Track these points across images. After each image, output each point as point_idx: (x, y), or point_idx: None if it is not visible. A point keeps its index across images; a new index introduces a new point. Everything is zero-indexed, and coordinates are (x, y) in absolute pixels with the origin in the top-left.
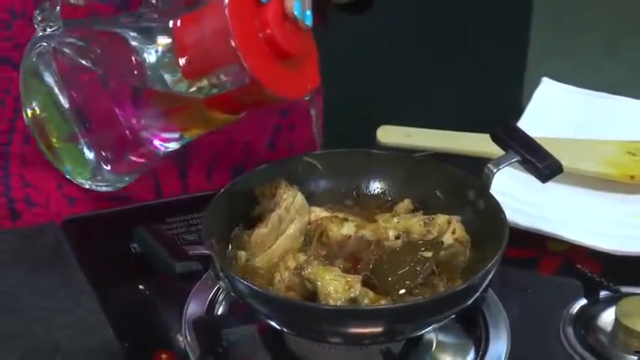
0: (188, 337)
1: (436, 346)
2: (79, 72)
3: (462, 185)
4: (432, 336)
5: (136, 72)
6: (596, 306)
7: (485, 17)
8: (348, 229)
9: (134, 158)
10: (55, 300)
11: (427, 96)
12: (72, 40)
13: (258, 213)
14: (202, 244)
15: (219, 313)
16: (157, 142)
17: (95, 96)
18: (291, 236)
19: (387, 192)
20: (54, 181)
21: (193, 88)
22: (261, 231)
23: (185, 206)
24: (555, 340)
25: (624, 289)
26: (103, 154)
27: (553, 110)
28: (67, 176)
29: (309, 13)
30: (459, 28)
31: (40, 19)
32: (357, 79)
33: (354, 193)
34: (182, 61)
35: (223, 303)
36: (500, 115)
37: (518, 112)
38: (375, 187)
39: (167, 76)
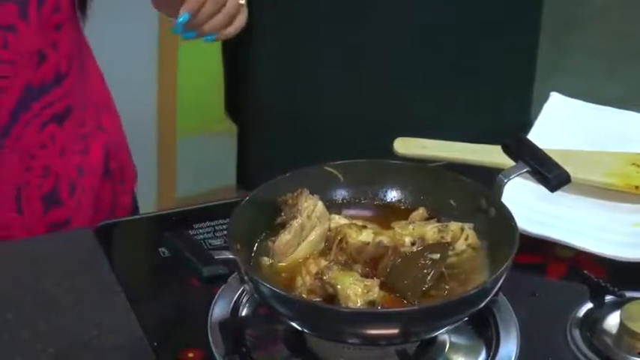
0: (214, 337)
1: (449, 346)
2: None
3: (474, 194)
4: (446, 337)
5: None
6: (602, 310)
7: (496, 38)
8: (366, 235)
9: None
10: (88, 301)
11: (442, 110)
12: None
13: (281, 220)
14: (228, 249)
15: (244, 314)
16: None
17: None
18: (312, 242)
19: (403, 200)
20: None
21: None
22: (284, 237)
23: (211, 213)
24: (562, 342)
25: (628, 294)
26: None
27: (561, 123)
28: None
29: None
30: (471, 49)
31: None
32: (377, 96)
33: (372, 201)
34: None
35: (247, 305)
36: (511, 128)
37: (528, 125)
38: (392, 195)
39: None
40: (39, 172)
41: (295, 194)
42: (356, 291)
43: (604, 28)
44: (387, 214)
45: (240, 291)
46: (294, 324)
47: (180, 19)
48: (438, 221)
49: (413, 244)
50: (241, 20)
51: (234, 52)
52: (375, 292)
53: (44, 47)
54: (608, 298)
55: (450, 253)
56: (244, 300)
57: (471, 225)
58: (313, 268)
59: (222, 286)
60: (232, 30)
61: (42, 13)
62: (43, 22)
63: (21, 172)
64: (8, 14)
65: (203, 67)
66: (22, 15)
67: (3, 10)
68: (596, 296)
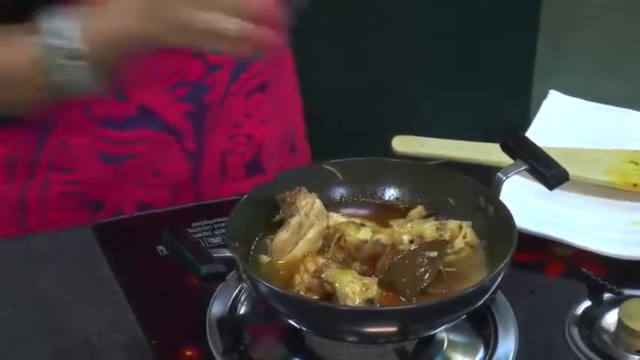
0: (212, 335)
1: (447, 344)
2: None
3: (472, 192)
4: (444, 335)
5: None
6: (600, 307)
7: (495, 38)
8: (364, 233)
9: None
10: (86, 299)
11: (440, 108)
12: None
13: (279, 218)
14: (226, 247)
15: (242, 312)
16: None
17: None
18: (310, 240)
19: (401, 198)
20: None
21: None
22: (282, 235)
23: (210, 211)
24: (561, 340)
25: (627, 292)
26: None
27: (559, 121)
28: None
29: None
30: (471, 46)
31: None
32: (377, 95)
33: (371, 199)
34: None
35: (245, 303)
36: (509, 126)
37: (527, 123)
38: (390, 193)
39: None
40: (242, 140)
41: (293, 192)
42: (354, 289)
43: (602, 27)
44: (386, 212)
45: (238, 289)
46: (292, 322)
47: None
48: (437, 219)
49: (411, 242)
50: None
51: None
52: (374, 290)
53: None
54: (607, 296)
55: (449, 251)
56: (242, 298)
57: (470, 223)
58: (311, 266)
59: (221, 285)
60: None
61: None
62: None
63: (226, 141)
64: None
65: None
66: None
67: None
68: (595, 294)
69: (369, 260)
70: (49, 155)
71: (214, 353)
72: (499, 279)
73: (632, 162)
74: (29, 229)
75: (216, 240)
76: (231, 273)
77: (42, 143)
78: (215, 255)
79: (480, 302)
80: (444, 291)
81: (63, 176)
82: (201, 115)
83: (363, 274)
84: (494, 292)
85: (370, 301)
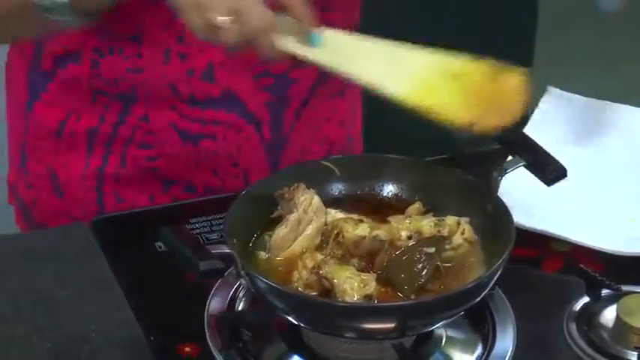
0: (210, 332)
1: (446, 340)
2: None
3: (471, 188)
4: (442, 331)
5: None
6: (598, 303)
7: (493, 36)
8: (362, 230)
9: None
10: (84, 295)
11: None
12: None
13: (278, 215)
14: (224, 244)
15: (240, 309)
16: None
17: None
18: (308, 236)
19: (399, 195)
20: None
21: None
22: (280, 231)
23: (208, 207)
24: (559, 336)
25: (625, 288)
26: None
27: (557, 117)
28: None
29: None
30: (469, 44)
31: None
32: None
33: (369, 195)
34: None
35: (244, 299)
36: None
37: (525, 119)
38: (389, 190)
39: None
40: (320, 141)
41: (292, 188)
42: (352, 285)
43: (600, 25)
44: (384, 209)
45: (236, 285)
46: (290, 318)
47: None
48: (435, 215)
49: (409, 238)
50: None
51: None
52: (372, 287)
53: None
54: (605, 292)
55: (447, 247)
56: (241, 294)
57: (468, 219)
58: (310, 263)
59: (219, 281)
60: None
61: None
62: None
63: (306, 142)
64: None
65: None
66: None
67: None
68: (593, 290)
69: (367, 256)
70: (130, 128)
71: (213, 350)
72: (497, 275)
73: (451, 76)
74: (106, 207)
75: (215, 236)
76: (230, 269)
77: (124, 115)
78: (213, 251)
79: (478, 298)
80: (442, 287)
81: (141, 152)
82: (282, 107)
83: (361, 270)
84: (492, 288)
85: (368, 297)
